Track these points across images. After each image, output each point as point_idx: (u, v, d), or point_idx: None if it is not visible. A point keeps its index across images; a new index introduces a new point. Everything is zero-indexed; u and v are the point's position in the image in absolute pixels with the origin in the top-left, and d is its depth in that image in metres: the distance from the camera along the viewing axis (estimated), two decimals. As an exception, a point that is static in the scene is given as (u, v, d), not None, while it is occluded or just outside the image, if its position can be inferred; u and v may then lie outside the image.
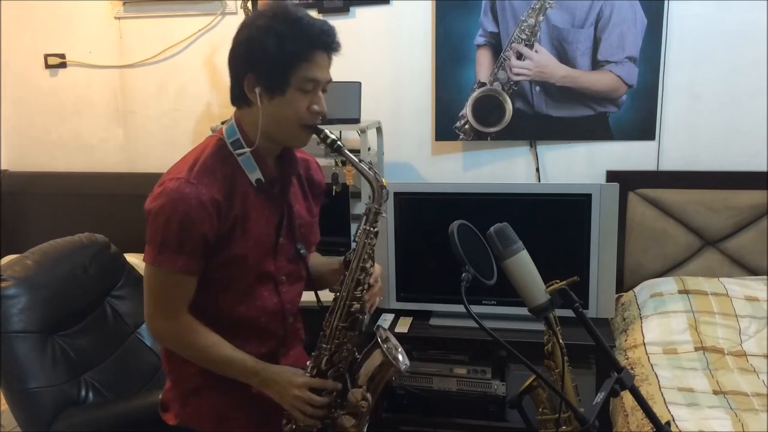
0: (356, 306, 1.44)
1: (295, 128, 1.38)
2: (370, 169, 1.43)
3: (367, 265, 1.45)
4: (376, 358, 1.46)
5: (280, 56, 1.32)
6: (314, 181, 1.60)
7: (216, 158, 1.40)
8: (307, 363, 1.48)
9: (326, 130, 1.40)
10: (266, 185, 1.43)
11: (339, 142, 1.40)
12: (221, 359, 1.42)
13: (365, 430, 1.51)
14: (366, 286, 1.45)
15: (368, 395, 1.45)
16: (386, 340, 1.48)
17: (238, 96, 1.40)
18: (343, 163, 2.51)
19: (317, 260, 1.65)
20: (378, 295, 1.51)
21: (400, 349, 1.49)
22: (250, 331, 1.47)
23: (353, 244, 1.46)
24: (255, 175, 1.42)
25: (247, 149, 1.40)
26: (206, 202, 1.34)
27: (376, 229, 1.45)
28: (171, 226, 1.33)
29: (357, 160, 1.42)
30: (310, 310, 1.62)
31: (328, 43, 1.36)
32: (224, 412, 1.49)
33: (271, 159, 1.47)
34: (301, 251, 1.52)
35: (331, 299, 1.48)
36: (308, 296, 1.64)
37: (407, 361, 1.50)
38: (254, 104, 1.36)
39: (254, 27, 1.35)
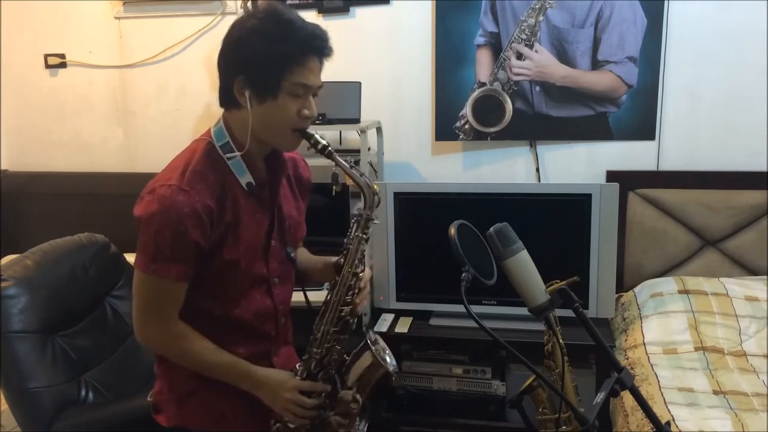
0: (347, 310, 1.45)
1: (285, 132, 1.36)
2: (362, 175, 1.42)
3: (359, 271, 1.45)
4: (365, 360, 1.47)
5: (271, 60, 1.29)
6: (302, 179, 1.59)
7: (206, 163, 1.37)
8: (297, 366, 1.48)
9: (317, 135, 1.37)
10: (256, 188, 1.41)
11: (330, 148, 1.38)
12: (212, 364, 1.42)
13: (365, 431, 1.51)
14: (357, 291, 1.46)
15: (358, 396, 1.45)
16: (375, 342, 1.48)
17: (227, 98, 1.37)
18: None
19: (303, 256, 1.65)
20: (366, 298, 1.51)
21: (387, 351, 1.50)
22: (243, 333, 1.46)
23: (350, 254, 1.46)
24: (245, 178, 1.39)
25: (237, 153, 1.38)
26: (199, 210, 1.31)
27: (367, 236, 1.44)
28: (164, 234, 1.30)
29: (348, 166, 1.41)
30: (299, 310, 1.62)
31: (320, 48, 1.33)
32: (222, 411, 1.48)
33: (260, 161, 1.45)
34: (291, 254, 1.51)
35: (322, 299, 1.49)
36: (297, 296, 1.64)
37: (395, 363, 1.51)
38: (243, 107, 1.34)
39: (244, 28, 1.32)
